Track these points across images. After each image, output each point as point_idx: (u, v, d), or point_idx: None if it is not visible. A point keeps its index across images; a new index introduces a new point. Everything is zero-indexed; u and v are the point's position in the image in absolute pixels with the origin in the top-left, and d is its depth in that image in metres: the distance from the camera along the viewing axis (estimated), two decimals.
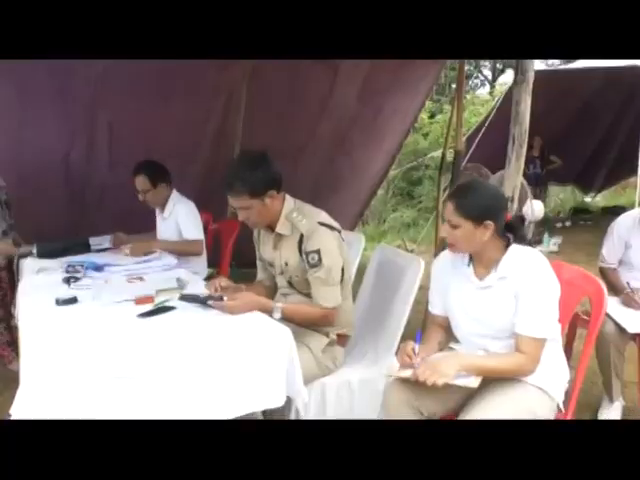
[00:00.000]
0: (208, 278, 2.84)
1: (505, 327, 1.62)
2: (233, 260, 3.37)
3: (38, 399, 1.33)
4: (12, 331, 2.96)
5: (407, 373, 1.60)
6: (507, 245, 1.64)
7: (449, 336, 1.83)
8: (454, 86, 8.89)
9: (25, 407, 1.32)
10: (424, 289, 2.10)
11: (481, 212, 1.57)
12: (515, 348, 1.59)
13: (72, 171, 3.83)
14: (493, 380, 1.60)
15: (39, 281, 2.28)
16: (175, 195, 3.00)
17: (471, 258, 1.71)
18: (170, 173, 2.97)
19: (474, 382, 1.53)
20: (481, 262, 1.67)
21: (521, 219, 1.75)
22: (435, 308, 1.85)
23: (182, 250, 2.86)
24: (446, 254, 1.81)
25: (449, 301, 1.76)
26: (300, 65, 3.69)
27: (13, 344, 2.96)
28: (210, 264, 3.17)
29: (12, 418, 1.31)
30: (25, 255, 2.78)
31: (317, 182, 4.75)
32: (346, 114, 4.53)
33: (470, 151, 5.26)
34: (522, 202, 2.94)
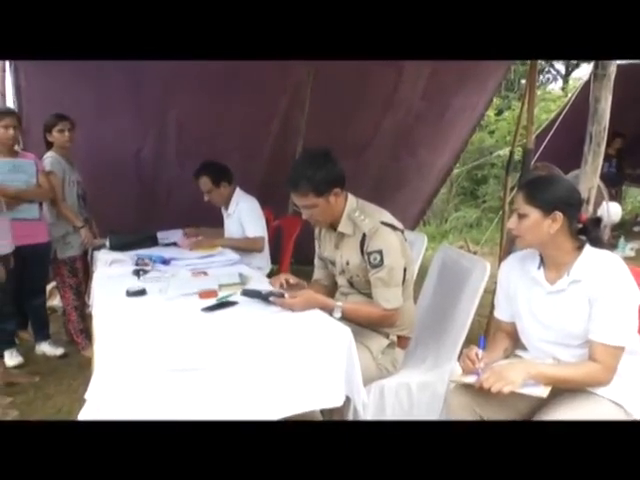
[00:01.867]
0: (270, 274, 2.88)
1: (577, 334, 1.54)
2: (292, 257, 3.41)
3: (111, 385, 1.40)
4: (86, 319, 3.13)
5: (471, 379, 1.56)
6: (580, 247, 1.56)
7: (516, 343, 1.76)
8: (523, 81, 8.56)
9: (99, 392, 1.39)
10: (487, 292, 2.04)
11: (550, 202, 1.51)
12: (589, 357, 1.51)
13: (143, 167, 4.02)
14: (564, 391, 1.53)
15: (112, 272, 2.40)
16: (238, 192, 3.08)
17: (542, 261, 1.63)
18: (232, 172, 3.04)
19: (543, 392, 1.46)
20: (553, 265, 1.59)
21: (597, 221, 1.65)
22: (502, 313, 1.78)
23: (244, 247, 2.94)
24: (515, 257, 1.75)
25: (517, 306, 1.69)
26: (364, 63, 3.66)
27: (86, 331, 3.14)
28: (271, 260, 3.22)
29: (86, 403, 1.38)
30: (99, 247, 2.94)
31: (380, 180, 4.73)
32: (410, 112, 4.46)
33: (540, 149, 5.03)
34: (597, 204, 2.78)
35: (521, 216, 1.55)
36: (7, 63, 3.25)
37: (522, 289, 1.67)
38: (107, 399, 1.38)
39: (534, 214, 1.52)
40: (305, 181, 1.86)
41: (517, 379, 1.45)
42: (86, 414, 1.38)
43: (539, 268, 1.63)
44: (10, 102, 3.36)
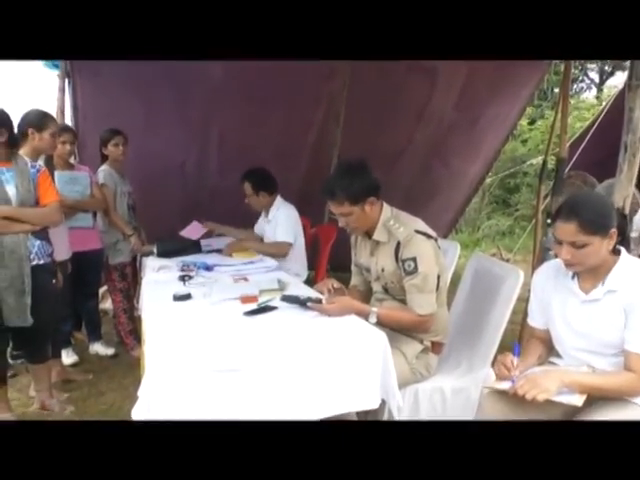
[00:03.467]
0: (307, 280, 2.96)
1: (612, 343, 1.54)
2: (328, 264, 3.48)
3: (160, 385, 1.47)
4: (134, 321, 3.30)
5: (505, 386, 1.57)
6: (616, 253, 1.57)
7: (550, 350, 1.77)
8: (557, 90, 8.44)
9: (150, 391, 1.47)
10: (520, 300, 2.06)
11: (605, 222, 1.51)
12: (624, 366, 1.52)
13: (187, 178, 4.19)
14: (599, 399, 1.53)
15: (159, 278, 2.52)
16: (279, 200, 3.18)
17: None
18: (275, 183, 3.14)
19: (578, 400, 1.46)
20: (588, 274, 1.59)
21: (621, 213, 1.67)
22: (535, 321, 1.79)
23: (269, 251, 2.99)
24: (548, 266, 1.76)
25: (551, 314, 1.70)
26: (398, 73, 3.74)
27: (135, 333, 3.30)
28: (308, 267, 3.30)
29: (138, 401, 1.47)
30: (147, 254, 3.09)
31: (413, 189, 4.76)
32: (443, 122, 4.50)
33: (574, 158, 4.98)
34: (633, 212, 2.77)
35: (580, 246, 1.51)
36: (66, 84, 3.48)
37: (556, 298, 1.68)
38: (157, 397, 1.46)
39: (595, 241, 1.50)
40: (341, 190, 1.93)
41: (551, 387, 1.46)
42: (138, 411, 1.46)
43: (573, 277, 1.64)
44: (68, 119, 3.59)
